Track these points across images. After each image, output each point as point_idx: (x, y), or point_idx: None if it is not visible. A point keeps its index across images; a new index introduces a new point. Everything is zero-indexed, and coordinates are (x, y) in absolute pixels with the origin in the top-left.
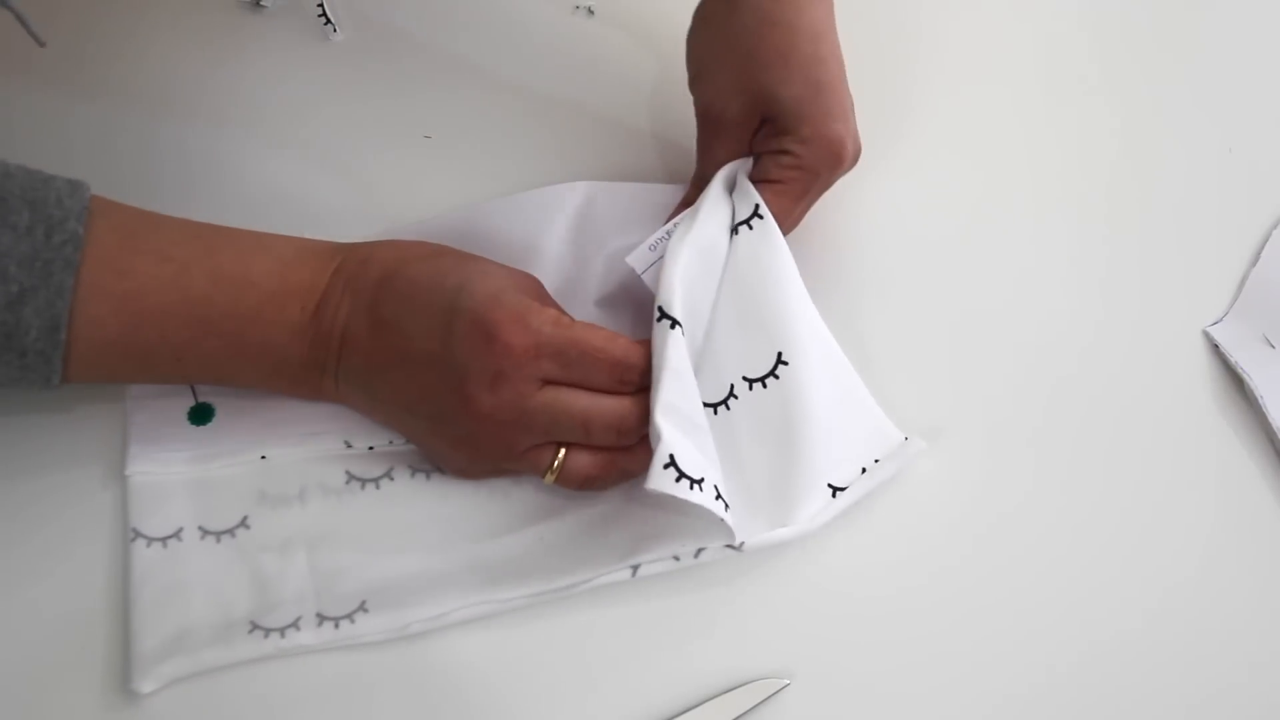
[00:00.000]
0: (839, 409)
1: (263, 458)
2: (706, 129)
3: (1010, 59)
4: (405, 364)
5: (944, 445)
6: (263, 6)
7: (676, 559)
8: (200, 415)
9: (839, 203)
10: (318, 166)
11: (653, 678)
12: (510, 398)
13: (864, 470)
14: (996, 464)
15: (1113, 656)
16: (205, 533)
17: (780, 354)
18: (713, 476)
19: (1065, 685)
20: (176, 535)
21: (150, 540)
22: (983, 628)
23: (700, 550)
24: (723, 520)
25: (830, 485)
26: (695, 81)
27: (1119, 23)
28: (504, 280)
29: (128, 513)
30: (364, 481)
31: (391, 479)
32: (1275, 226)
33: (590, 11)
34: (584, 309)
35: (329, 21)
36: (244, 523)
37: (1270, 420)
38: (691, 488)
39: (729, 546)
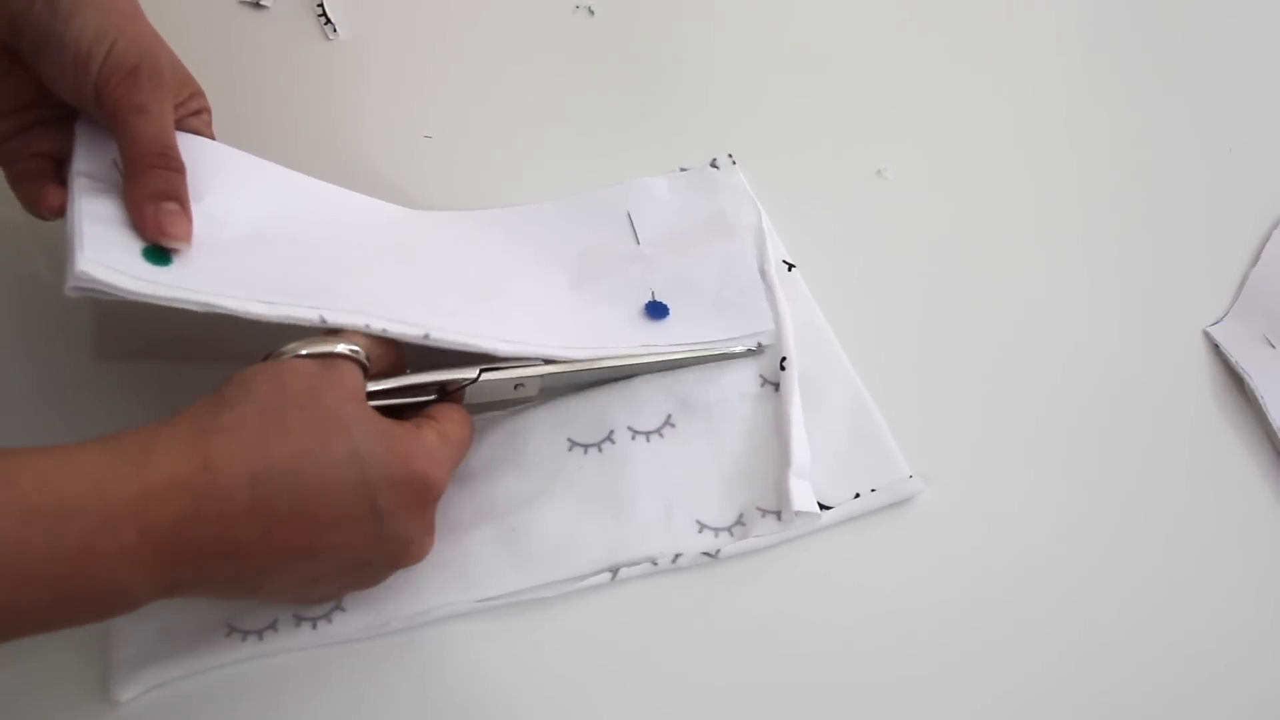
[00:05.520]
0: (845, 431)
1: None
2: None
3: (1009, 59)
4: (314, 554)
5: (942, 446)
6: (263, 6)
7: (654, 564)
8: (158, 255)
9: (833, 201)
10: (317, 167)
11: (639, 665)
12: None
13: (857, 495)
14: (997, 465)
15: (1113, 656)
16: None
17: (783, 359)
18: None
19: (1064, 684)
20: None
21: None
22: (982, 626)
23: (678, 556)
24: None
25: (819, 502)
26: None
27: (1119, 22)
28: (375, 421)
29: None
30: None
31: None
32: (1275, 226)
33: (590, 11)
34: (560, 293)
35: (329, 21)
36: None
37: (1270, 420)
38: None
39: (705, 554)
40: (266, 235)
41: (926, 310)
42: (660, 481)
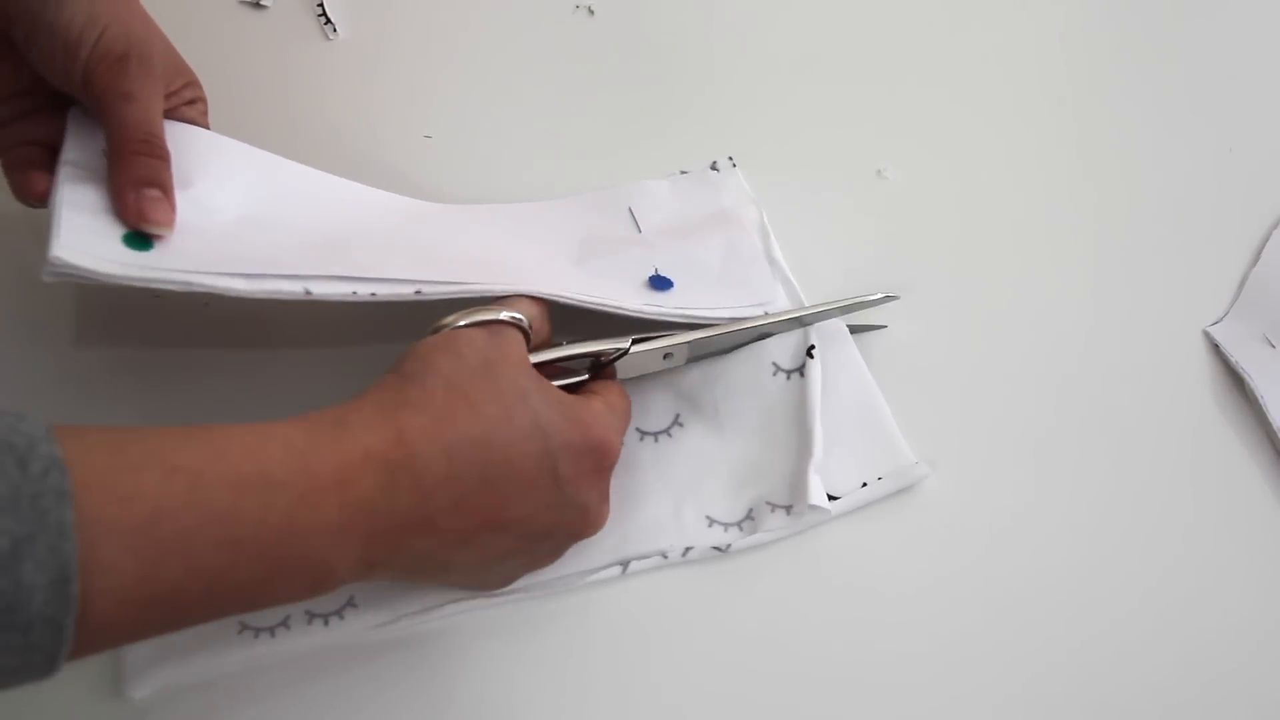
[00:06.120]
0: (851, 420)
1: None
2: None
3: (1010, 60)
4: (500, 527)
5: (946, 447)
6: (263, 6)
7: (664, 556)
8: (139, 241)
9: (833, 201)
10: (317, 167)
11: (644, 668)
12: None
13: (864, 484)
14: (999, 465)
15: (1114, 656)
16: None
17: (811, 347)
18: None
19: (1066, 684)
20: None
21: None
22: (984, 627)
23: (688, 549)
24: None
25: (827, 493)
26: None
27: (1119, 22)
28: (549, 390)
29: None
30: None
31: None
32: (1275, 226)
33: (590, 11)
34: (563, 265)
35: (329, 21)
36: None
37: (1270, 420)
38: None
39: (715, 548)
40: (255, 221)
41: (925, 309)
42: (669, 480)
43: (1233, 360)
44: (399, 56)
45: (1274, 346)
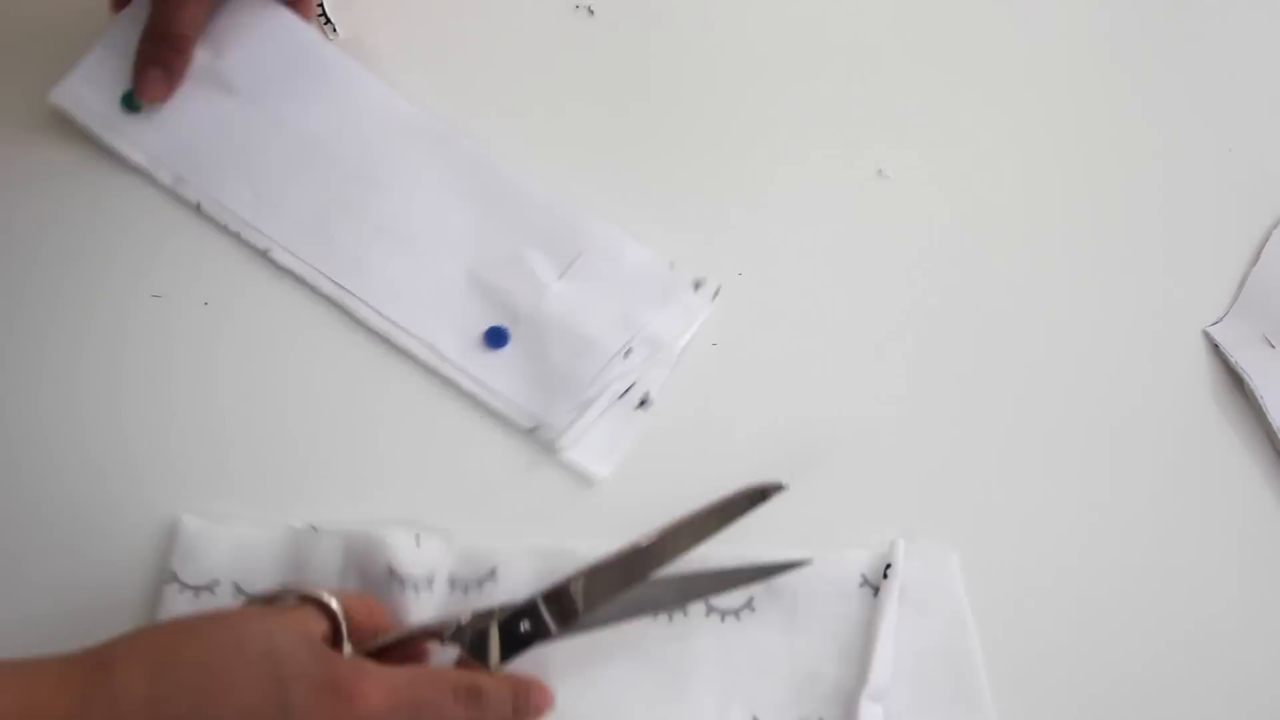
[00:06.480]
0: (935, 662)
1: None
2: None
3: (1009, 59)
4: None
5: (945, 437)
6: None
7: None
8: (132, 102)
9: (834, 200)
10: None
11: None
12: None
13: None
14: (999, 464)
15: (1113, 655)
16: (239, 591)
17: (888, 566)
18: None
19: (1065, 681)
20: (210, 588)
21: (184, 586)
22: (986, 625)
23: None
24: None
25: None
26: None
27: (1119, 22)
28: (305, 634)
29: (169, 554)
30: (404, 583)
31: (430, 589)
32: (1275, 226)
33: (590, 11)
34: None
35: (329, 21)
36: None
37: (1270, 420)
38: None
39: None
40: (252, 112)
41: (924, 305)
42: (724, 666)
43: (1233, 360)
44: (399, 56)
45: (1274, 346)
